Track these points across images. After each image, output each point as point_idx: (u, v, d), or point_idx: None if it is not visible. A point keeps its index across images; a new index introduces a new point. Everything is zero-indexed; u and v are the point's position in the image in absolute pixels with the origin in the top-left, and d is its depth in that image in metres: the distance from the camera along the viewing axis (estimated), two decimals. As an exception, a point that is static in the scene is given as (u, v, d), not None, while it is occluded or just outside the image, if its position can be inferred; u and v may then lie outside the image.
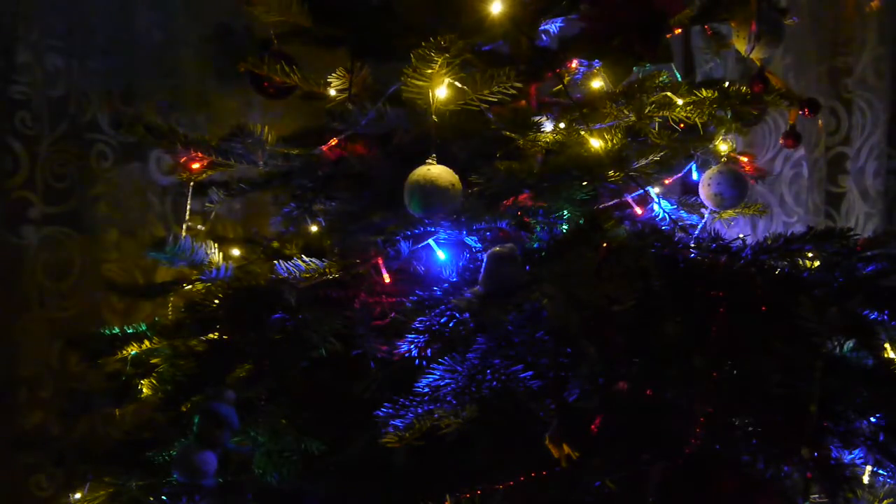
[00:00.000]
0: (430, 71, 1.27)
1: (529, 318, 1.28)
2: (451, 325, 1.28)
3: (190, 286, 1.47)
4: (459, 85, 1.32)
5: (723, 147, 1.57)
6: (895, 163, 2.34)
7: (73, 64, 1.97)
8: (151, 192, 2.07)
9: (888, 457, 1.21)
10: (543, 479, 1.19)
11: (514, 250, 1.33)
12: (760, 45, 1.44)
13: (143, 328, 1.56)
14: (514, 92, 1.39)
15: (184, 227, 1.58)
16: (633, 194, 1.52)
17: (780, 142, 1.63)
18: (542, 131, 1.42)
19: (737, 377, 1.22)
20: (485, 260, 1.33)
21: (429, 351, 1.27)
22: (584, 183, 1.39)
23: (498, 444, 1.22)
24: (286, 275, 1.34)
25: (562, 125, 1.41)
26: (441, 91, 1.30)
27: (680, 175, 1.59)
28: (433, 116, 1.29)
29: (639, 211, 1.54)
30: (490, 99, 1.33)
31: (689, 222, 1.57)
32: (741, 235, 1.39)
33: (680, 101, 1.44)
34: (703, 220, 1.56)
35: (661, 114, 1.43)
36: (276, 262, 1.37)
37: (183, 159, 1.55)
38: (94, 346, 1.58)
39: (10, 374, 1.94)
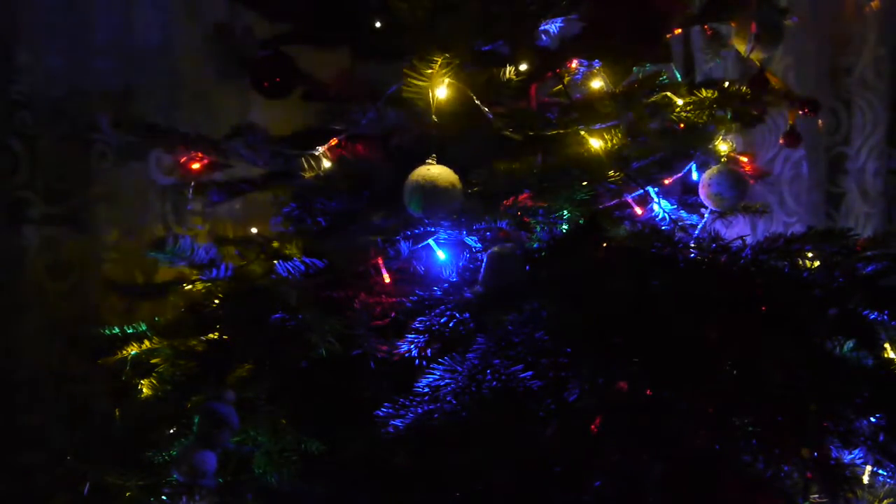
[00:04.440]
0: (429, 71, 1.28)
1: (529, 318, 1.28)
2: (451, 325, 1.28)
3: (190, 286, 1.47)
4: (459, 85, 1.32)
5: (723, 147, 1.58)
6: (895, 163, 2.34)
7: (73, 64, 1.97)
8: (151, 192, 2.07)
9: (888, 457, 1.20)
10: (543, 479, 1.18)
11: (515, 250, 1.34)
12: (760, 45, 1.44)
13: (143, 328, 1.56)
14: (513, 92, 1.39)
15: (184, 227, 1.58)
16: (633, 194, 1.52)
17: (780, 142, 1.63)
18: (542, 131, 1.42)
19: (737, 377, 1.22)
20: (485, 260, 1.33)
21: (429, 351, 1.27)
22: (584, 183, 1.39)
23: (498, 445, 1.22)
24: (286, 275, 1.35)
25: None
26: (441, 91, 1.30)
27: (680, 175, 1.59)
28: (433, 116, 1.29)
29: (639, 211, 1.54)
30: (490, 99, 1.33)
31: (689, 222, 1.57)
32: (741, 235, 1.39)
33: (680, 101, 1.45)
34: (703, 220, 1.56)
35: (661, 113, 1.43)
36: (276, 262, 1.37)
37: (183, 159, 1.55)
38: (94, 346, 1.58)
39: (10, 374, 1.94)
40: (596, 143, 1.41)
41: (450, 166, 1.29)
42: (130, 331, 1.57)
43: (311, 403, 1.35)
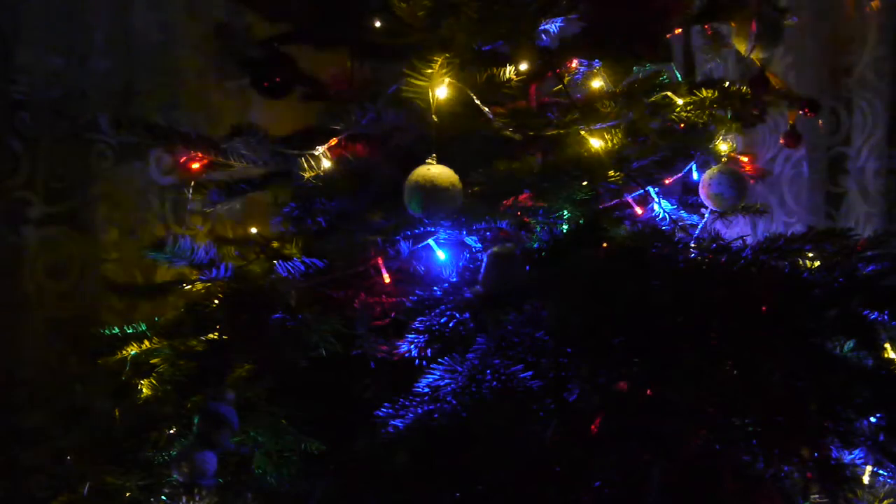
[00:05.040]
0: (429, 71, 1.28)
1: (529, 318, 1.28)
2: (451, 325, 1.28)
3: (190, 286, 1.47)
4: (460, 85, 1.32)
5: (723, 147, 1.58)
6: (895, 162, 2.34)
7: (73, 64, 1.97)
8: (151, 192, 2.07)
9: (888, 457, 1.20)
10: (543, 479, 1.18)
11: (514, 250, 1.33)
12: (760, 45, 1.44)
13: (143, 328, 1.56)
14: (513, 92, 1.39)
15: (184, 227, 1.58)
16: (633, 194, 1.52)
17: (781, 142, 1.63)
18: (542, 131, 1.42)
19: (737, 377, 1.22)
20: (485, 260, 1.33)
21: (429, 351, 1.27)
22: (584, 183, 1.39)
23: (498, 445, 1.22)
24: (286, 275, 1.34)
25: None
26: (441, 91, 1.30)
27: (680, 175, 1.59)
28: (433, 116, 1.29)
29: (639, 211, 1.54)
30: (490, 99, 1.33)
31: (689, 222, 1.57)
32: (741, 235, 1.39)
33: (680, 101, 1.45)
34: (703, 220, 1.56)
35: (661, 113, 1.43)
36: (276, 262, 1.37)
37: (183, 159, 1.55)
38: (94, 346, 1.58)
39: (9, 374, 1.94)
40: (596, 143, 1.41)
41: (450, 166, 1.29)
42: (130, 331, 1.57)
43: (311, 403, 1.35)
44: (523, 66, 1.42)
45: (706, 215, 1.56)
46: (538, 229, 1.44)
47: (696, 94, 1.44)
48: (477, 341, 1.26)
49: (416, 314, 1.32)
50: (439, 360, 1.25)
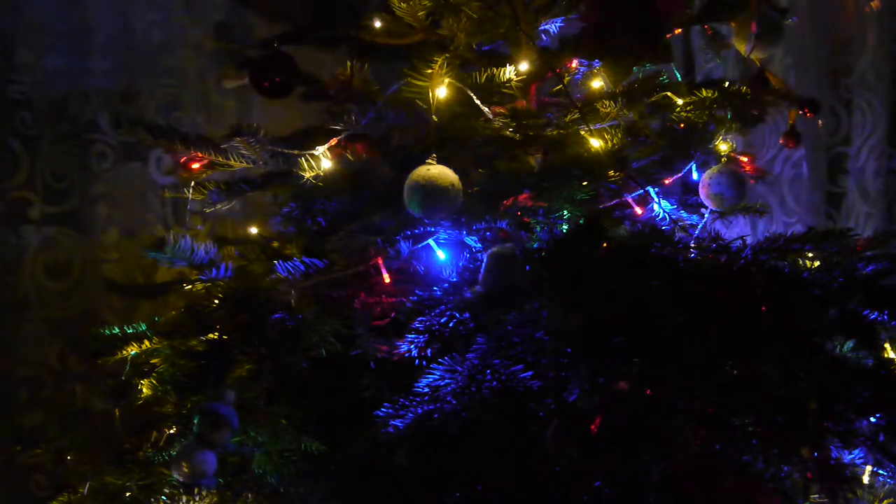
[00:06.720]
0: (429, 71, 1.28)
1: (529, 318, 1.28)
2: (451, 325, 1.28)
3: (190, 286, 1.47)
4: (459, 85, 1.32)
5: (723, 147, 1.58)
6: (895, 163, 2.34)
7: (73, 64, 1.97)
8: (151, 192, 2.07)
9: (888, 457, 1.20)
10: (543, 479, 1.19)
11: (514, 250, 1.34)
12: (760, 45, 1.44)
13: (143, 328, 1.56)
14: (513, 92, 1.39)
15: (184, 227, 1.58)
16: (633, 194, 1.52)
17: (781, 142, 1.63)
18: (542, 131, 1.42)
19: (737, 377, 1.22)
20: (485, 260, 1.33)
21: (429, 351, 1.27)
22: (584, 183, 1.39)
23: (498, 444, 1.22)
24: (286, 275, 1.34)
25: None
26: (441, 91, 1.30)
27: (680, 175, 1.59)
28: (433, 116, 1.29)
29: (639, 211, 1.54)
30: (490, 99, 1.33)
31: (689, 222, 1.57)
32: (741, 235, 1.39)
33: (680, 101, 1.45)
34: (703, 220, 1.56)
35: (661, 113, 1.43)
36: (276, 262, 1.37)
37: (183, 159, 1.55)
38: (94, 346, 1.58)
39: (9, 374, 1.94)
40: (596, 143, 1.41)
41: (450, 166, 1.29)
42: (130, 331, 1.57)
43: (311, 403, 1.35)
44: (523, 66, 1.42)
45: (706, 215, 1.56)
46: (538, 229, 1.44)
47: (696, 94, 1.44)
48: (477, 341, 1.26)
49: (416, 314, 1.32)
50: (439, 360, 1.25)
